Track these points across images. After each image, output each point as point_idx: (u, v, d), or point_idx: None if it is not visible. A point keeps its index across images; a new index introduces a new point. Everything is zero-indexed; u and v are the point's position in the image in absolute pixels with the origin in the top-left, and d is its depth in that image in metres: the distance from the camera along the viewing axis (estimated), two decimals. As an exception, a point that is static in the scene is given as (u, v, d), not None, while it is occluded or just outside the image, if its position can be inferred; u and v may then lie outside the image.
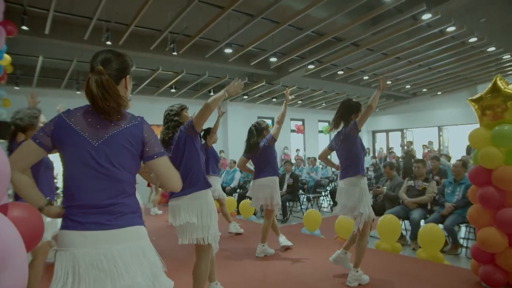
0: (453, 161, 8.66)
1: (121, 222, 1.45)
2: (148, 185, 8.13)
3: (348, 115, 3.40)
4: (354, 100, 3.51)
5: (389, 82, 13.01)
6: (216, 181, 5.44)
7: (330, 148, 3.66)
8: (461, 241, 5.12)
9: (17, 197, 2.78)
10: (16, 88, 9.03)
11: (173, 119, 2.92)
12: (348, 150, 3.36)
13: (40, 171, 2.78)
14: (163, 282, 1.50)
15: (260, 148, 4.34)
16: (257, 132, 4.39)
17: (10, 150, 2.84)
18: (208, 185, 2.79)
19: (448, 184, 5.38)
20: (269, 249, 4.46)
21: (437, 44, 8.86)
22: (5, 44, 4.40)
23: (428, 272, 3.68)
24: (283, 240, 4.63)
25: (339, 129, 3.47)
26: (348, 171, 3.36)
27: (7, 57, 5.21)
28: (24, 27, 5.69)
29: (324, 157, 3.75)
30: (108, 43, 6.62)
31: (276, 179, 4.37)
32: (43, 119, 2.94)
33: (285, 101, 4.31)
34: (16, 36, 4.94)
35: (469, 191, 3.37)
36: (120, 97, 1.48)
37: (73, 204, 1.45)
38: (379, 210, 5.68)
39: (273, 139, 4.27)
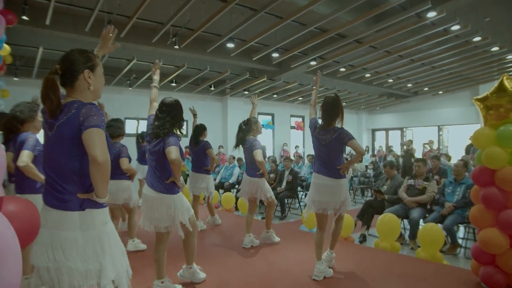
0: (453, 161, 8.64)
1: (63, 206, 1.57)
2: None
3: (338, 115, 3.52)
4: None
5: (390, 80, 12.97)
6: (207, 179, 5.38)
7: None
8: (459, 241, 5.11)
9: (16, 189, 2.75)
10: (15, 79, 8.99)
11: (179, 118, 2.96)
12: (337, 153, 3.44)
13: (37, 158, 2.75)
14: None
15: (246, 144, 4.37)
16: (245, 126, 4.46)
17: (10, 143, 2.80)
18: (173, 192, 2.90)
19: (448, 184, 5.35)
20: (274, 236, 4.69)
21: (440, 43, 8.82)
22: (4, 34, 4.35)
23: (427, 272, 3.66)
24: (248, 242, 4.58)
25: (329, 127, 3.50)
26: (335, 171, 3.41)
27: (6, 47, 5.14)
28: (25, 17, 5.63)
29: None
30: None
31: (262, 179, 4.41)
32: None
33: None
34: (16, 26, 4.89)
35: (472, 191, 3.34)
36: (49, 95, 1.57)
37: None
38: (378, 208, 5.66)
39: (254, 151, 4.20)
